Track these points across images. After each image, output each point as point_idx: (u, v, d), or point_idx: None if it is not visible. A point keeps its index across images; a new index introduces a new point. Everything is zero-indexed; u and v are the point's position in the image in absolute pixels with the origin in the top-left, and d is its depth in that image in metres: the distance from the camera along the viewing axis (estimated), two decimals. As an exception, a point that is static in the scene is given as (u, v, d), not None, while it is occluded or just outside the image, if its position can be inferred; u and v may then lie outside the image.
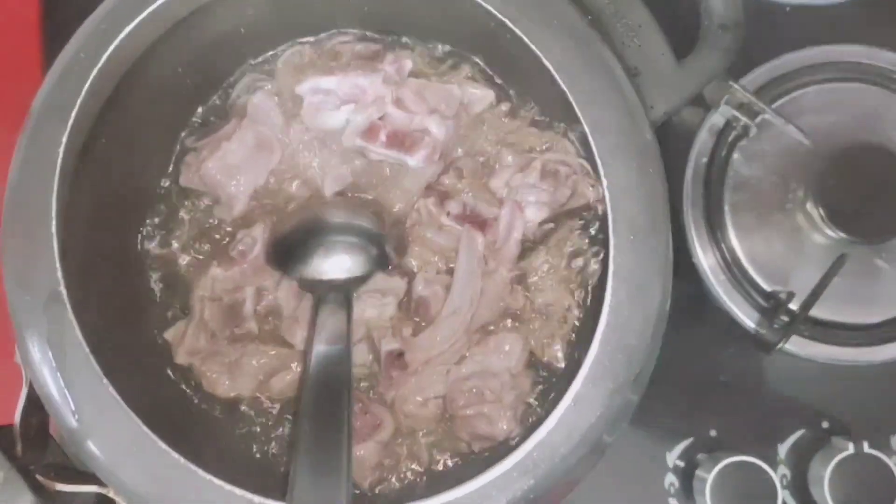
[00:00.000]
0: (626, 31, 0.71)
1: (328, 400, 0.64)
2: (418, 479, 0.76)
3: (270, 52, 0.85)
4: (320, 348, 0.68)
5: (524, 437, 0.59)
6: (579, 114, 0.61)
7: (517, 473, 0.58)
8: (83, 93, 0.62)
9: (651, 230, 0.60)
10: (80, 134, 0.64)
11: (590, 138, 0.61)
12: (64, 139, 0.62)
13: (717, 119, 0.94)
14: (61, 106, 0.63)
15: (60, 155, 0.62)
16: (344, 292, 0.72)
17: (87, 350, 0.61)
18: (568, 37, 0.66)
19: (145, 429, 0.60)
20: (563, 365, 0.77)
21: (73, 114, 0.62)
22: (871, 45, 0.95)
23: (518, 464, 0.58)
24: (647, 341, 0.59)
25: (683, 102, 0.65)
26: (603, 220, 0.74)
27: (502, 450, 0.69)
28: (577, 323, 0.76)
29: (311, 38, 0.85)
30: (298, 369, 0.77)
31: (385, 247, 0.75)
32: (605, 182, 0.60)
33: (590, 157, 0.60)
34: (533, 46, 0.66)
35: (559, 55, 0.62)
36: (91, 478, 0.62)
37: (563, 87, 0.60)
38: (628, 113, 0.61)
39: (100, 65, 0.64)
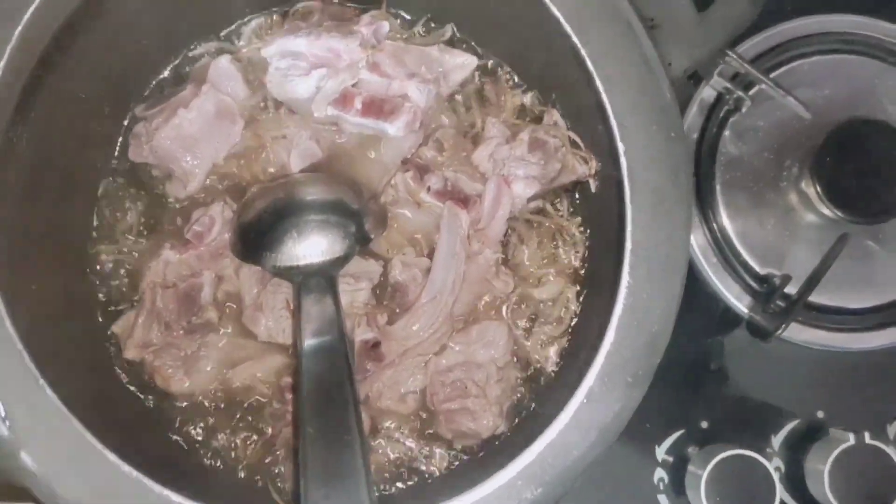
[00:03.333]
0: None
1: (329, 397, 0.57)
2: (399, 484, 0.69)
3: (237, 22, 0.78)
4: (310, 342, 0.61)
5: (531, 439, 0.52)
6: (592, 69, 0.54)
7: (522, 481, 0.51)
8: (22, 24, 0.52)
9: (674, 201, 0.53)
10: (15, 80, 0.54)
11: (603, 96, 0.54)
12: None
13: (707, 93, 0.89)
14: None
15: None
16: (326, 276, 0.65)
17: (20, 346, 0.53)
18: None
19: (90, 437, 0.52)
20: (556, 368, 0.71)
21: (8, 49, 0.52)
22: (867, 15, 0.90)
23: (524, 470, 0.51)
24: (670, 326, 0.53)
25: (704, 59, 0.58)
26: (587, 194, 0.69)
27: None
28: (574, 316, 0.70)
29: (280, 9, 0.78)
30: (263, 360, 0.70)
31: (364, 222, 0.67)
32: (621, 147, 0.53)
33: (604, 119, 0.53)
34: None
35: (569, 3, 0.54)
36: (23, 494, 0.54)
37: (574, 38, 0.53)
38: (647, 69, 0.54)
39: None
